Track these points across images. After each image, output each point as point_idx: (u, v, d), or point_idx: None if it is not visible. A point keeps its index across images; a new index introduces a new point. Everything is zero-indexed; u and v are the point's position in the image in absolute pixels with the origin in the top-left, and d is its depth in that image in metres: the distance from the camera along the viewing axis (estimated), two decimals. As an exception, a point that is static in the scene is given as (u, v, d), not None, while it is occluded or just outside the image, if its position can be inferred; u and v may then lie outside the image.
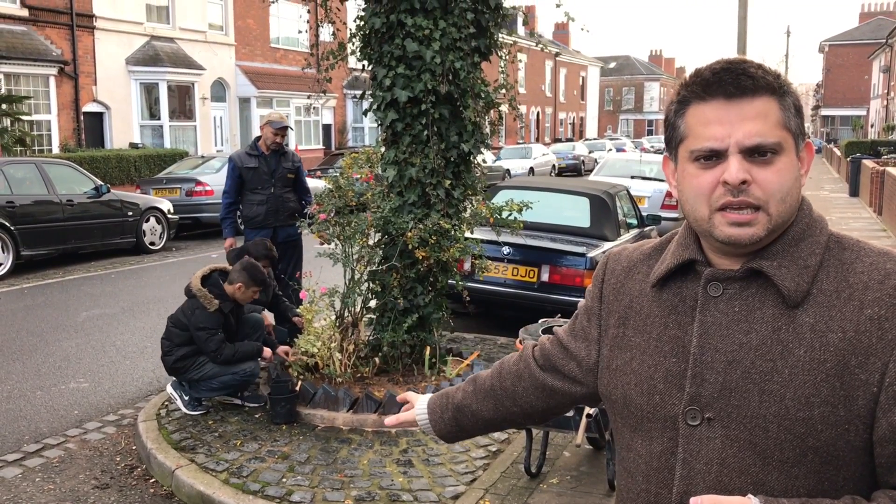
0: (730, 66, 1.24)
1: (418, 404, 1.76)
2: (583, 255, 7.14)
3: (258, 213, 6.66)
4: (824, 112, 65.28)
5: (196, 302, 5.10)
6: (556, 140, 50.77)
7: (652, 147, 45.72)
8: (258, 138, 6.82)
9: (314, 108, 26.98)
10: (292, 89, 27.43)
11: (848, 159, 25.94)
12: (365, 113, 5.60)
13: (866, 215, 18.57)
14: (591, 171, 24.48)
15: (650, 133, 71.64)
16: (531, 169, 29.67)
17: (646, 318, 1.38)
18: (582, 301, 1.57)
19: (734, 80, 1.22)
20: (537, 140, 49.88)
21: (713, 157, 1.23)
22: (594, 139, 50.42)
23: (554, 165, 32.41)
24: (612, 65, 75.75)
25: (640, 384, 1.34)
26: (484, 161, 5.68)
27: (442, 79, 5.16)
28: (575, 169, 33.61)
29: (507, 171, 27.39)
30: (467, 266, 6.92)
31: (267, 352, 5.24)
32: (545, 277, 7.17)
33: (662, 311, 1.35)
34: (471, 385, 1.69)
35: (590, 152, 37.34)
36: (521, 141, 44.71)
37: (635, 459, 1.36)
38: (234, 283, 5.19)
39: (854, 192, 23.50)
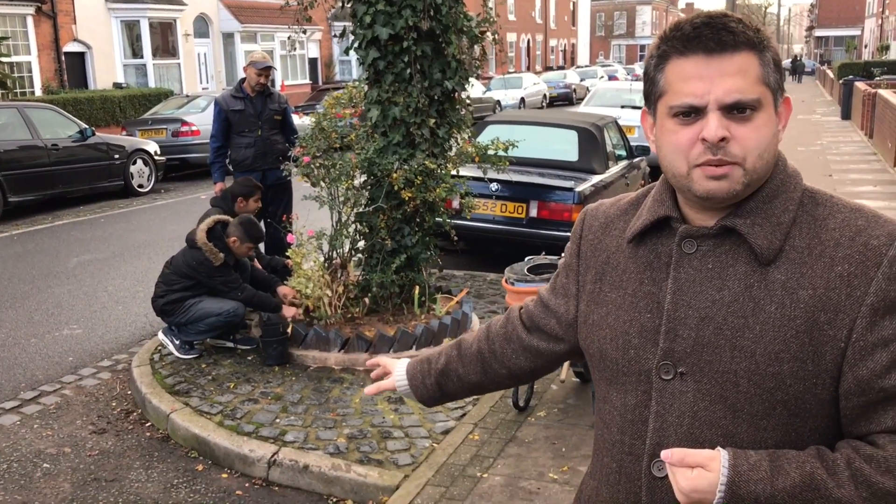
0: (711, 20, 1.23)
1: (396, 371, 1.75)
2: (571, 189, 7.14)
3: (246, 157, 6.61)
4: (818, 33, 64.40)
5: (200, 255, 5.13)
6: (548, 68, 50.11)
7: (644, 73, 45.18)
8: (243, 80, 6.72)
9: (298, 42, 26.52)
10: (277, 23, 26.89)
11: (840, 81, 25.72)
12: (346, 51, 5.51)
13: (857, 139, 18.51)
14: (582, 99, 24.25)
15: (642, 59, 70.65)
16: (522, 99, 29.35)
17: (622, 273, 1.40)
18: (562, 259, 1.59)
19: (715, 35, 1.21)
20: (528, 69, 49.22)
21: (692, 113, 1.23)
22: (586, 66, 49.71)
23: (545, 95, 32.04)
24: (603, -11, 74.24)
25: (615, 339, 1.37)
26: (468, 96, 5.60)
27: (423, 15, 5.07)
28: (566, 98, 33.24)
29: (498, 102, 27.10)
30: (456, 204, 6.92)
31: (288, 311, 5.26)
32: (534, 213, 7.19)
33: (638, 267, 1.37)
34: (455, 350, 1.70)
35: (581, 80, 36.89)
36: (511, 70, 44.14)
37: (611, 411, 1.40)
38: (230, 236, 5.22)
39: (846, 114, 23.38)
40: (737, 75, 1.21)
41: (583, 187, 7.20)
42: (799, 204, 1.29)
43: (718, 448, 1.21)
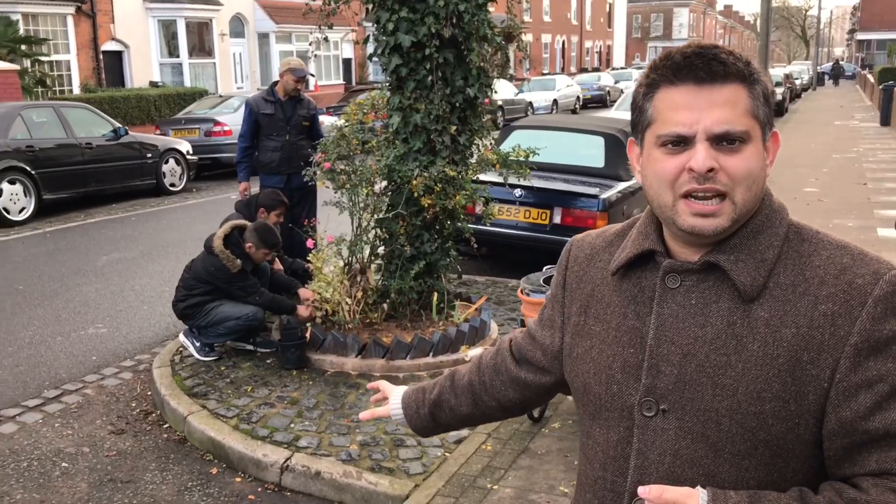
0: (701, 50, 1.22)
1: (393, 398, 1.76)
2: (595, 196, 7.09)
3: (272, 160, 6.68)
4: (860, 36, 63.31)
5: (217, 261, 5.19)
6: (583, 70, 49.83)
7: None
8: (275, 83, 6.79)
9: (333, 42, 26.59)
10: (311, 23, 27.03)
11: (880, 87, 25.25)
12: (370, 58, 5.53)
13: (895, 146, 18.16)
14: (615, 101, 24.06)
15: (679, 61, 69.75)
16: (555, 101, 29.18)
17: (606, 306, 1.38)
18: (548, 291, 1.59)
19: (705, 65, 1.21)
20: (562, 70, 48.98)
21: (680, 142, 1.22)
22: (621, 68, 49.34)
23: (578, 97, 31.84)
24: (640, -10, 73.67)
25: (598, 373, 1.36)
26: (490, 99, 5.58)
27: (445, 22, 5.07)
28: (600, 100, 33.02)
29: (530, 103, 26.99)
30: (479, 209, 6.91)
31: (302, 311, 5.31)
32: (557, 220, 7.15)
33: (622, 300, 1.36)
34: (448, 381, 1.71)
35: (616, 82, 36.60)
36: (545, 72, 43.96)
37: (594, 447, 1.38)
38: (246, 241, 5.27)
39: (885, 121, 22.93)
40: (726, 106, 1.20)
41: (608, 194, 7.14)
42: (784, 239, 1.27)
43: (698, 486, 1.19)
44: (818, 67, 55.01)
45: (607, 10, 60.37)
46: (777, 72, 33.10)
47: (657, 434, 1.27)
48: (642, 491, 1.19)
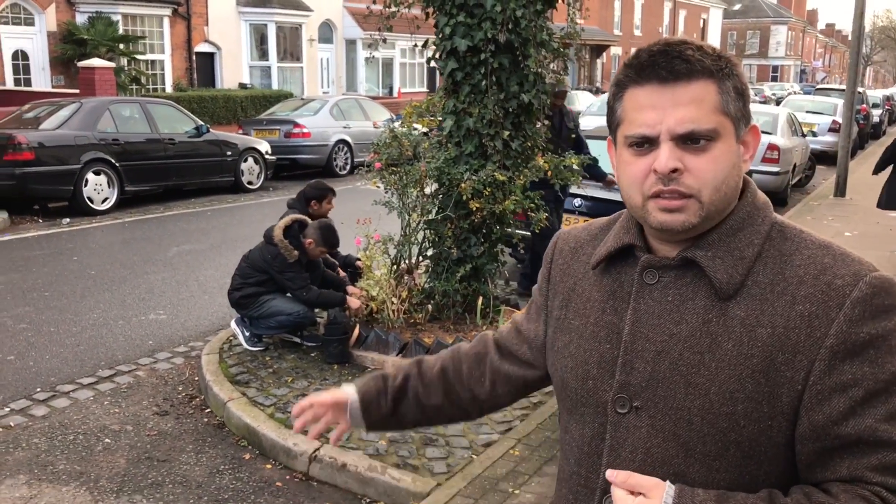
0: (667, 48, 1.20)
1: (349, 393, 1.60)
2: (656, 208, 6.97)
3: None
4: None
5: (275, 250, 5.34)
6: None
7: (774, 95, 43.52)
8: None
9: (411, 50, 26.94)
10: (399, 31, 27.45)
11: None
12: (428, 61, 5.60)
13: None
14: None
15: (774, 80, 68.01)
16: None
17: (586, 301, 1.37)
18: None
19: (668, 63, 1.18)
20: (651, 85, 48.20)
21: (646, 143, 1.20)
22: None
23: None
24: (737, 6, 72.00)
25: (575, 368, 1.34)
26: (541, 114, 5.56)
27: (502, 27, 5.09)
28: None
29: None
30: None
31: (353, 302, 5.41)
32: (616, 230, 7.06)
33: (602, 295, 1.34)
34: (415, 367, 1.61)
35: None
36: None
37: (570, 442, 1.37)
38: (306, 237, 5.40)
39: None
40: (690, 105, 1.18)
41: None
42: (766, 238, 1.24)
43: (667, 481, 1.17)
44: (924, 90, 52.62)
45: (701, 25, 59.24)
46: (875, 93, 31.86)
47: (629, 431, 1.25)
48: (610, 474, 1.18)
